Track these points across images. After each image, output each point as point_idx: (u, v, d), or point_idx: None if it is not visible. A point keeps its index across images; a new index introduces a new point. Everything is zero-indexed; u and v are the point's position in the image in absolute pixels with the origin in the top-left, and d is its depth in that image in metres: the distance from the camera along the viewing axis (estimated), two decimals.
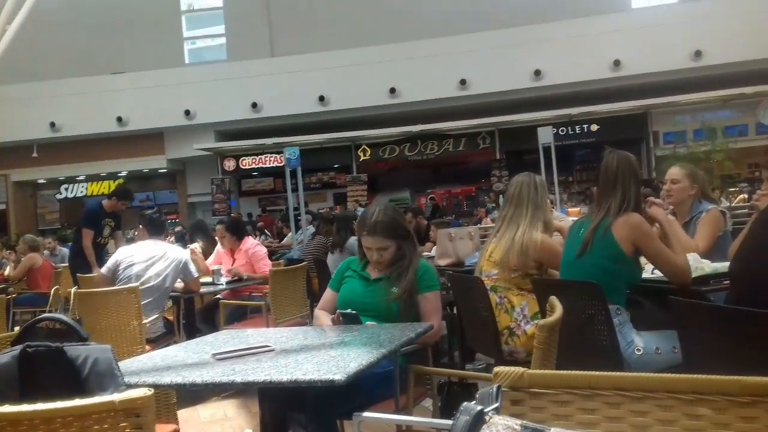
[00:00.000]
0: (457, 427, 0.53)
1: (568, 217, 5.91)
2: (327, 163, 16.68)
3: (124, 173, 17.46)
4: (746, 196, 10.89)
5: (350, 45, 15.33)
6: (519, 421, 0.54)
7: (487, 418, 0.55)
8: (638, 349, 2.61)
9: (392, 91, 15.09)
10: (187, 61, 18.46)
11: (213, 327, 4.76)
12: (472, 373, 2.59)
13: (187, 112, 15.78)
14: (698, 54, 14.04)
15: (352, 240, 5.64)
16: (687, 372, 1.92)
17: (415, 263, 2.72)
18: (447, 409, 2.56)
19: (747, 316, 1.62)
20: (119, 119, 15.96)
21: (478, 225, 9.77)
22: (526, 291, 3.17)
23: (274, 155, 15.78)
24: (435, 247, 5.10)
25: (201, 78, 15.85)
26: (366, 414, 1.81)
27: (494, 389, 0.62)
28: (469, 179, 16.72)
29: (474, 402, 0.58)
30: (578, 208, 9.26)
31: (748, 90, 14.16)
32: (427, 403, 2.74)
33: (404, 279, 2.67)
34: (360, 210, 10.77)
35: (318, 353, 1.99)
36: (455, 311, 4.00)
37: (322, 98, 15.35)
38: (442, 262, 4.59)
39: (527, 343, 2.96)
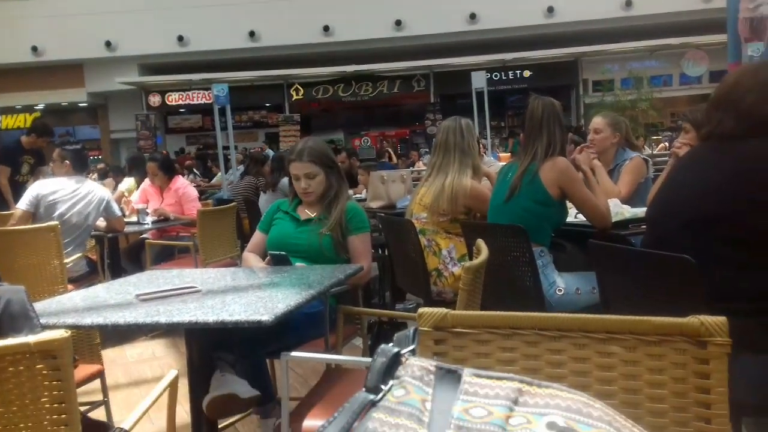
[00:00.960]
0: (374, 368, 0.53)
1: (499, 162, 6.00)
2: (258, 102, 16.28)
3: (41, 106, 16.50)
4: (668, 144, 11.35)
5: None
6: (434, 363, 0.54)
7: (403, 359, 0.55)
8: (560, 290, 2.71)
9: (326, 29, 14.72)
10: None
11: (139, 267, 4.66)
12: (400, 313, 2.64)
13: (108, 44, 14.94)
14: (629, 4, 14.28)
15: (285, 180, 5.55)
16: (604, 312, 2.03)
17: (343, 198, 2.72)
18: (377, 348, 2.61)
19: (658, 259, 1.70)
20: (34, 49, 14.97)
21: (411, 168, 9.81)
22: (454, 234, 3.24)
23: (202, 91, 15.26)
24: (366, 190, 5.10)
25: (124, 7, 14.96)
26: (294, 353, 1.83)
27: (411, 332, 0.62)
28: (404, 122, 16.72)
29: (392, 344, 0.58)
30: (509, 153, 9.42)
31: (673, 41, 14.60)
32: (359, 341, 2.78)
33: (333, 213, 2.67)
34: None
35: (246, 294, 1.98)
36: (386, 253, 4.04)
37: (252, 33, 14.82)
38: (374, 205, 4.61)
39: (454, 284, 3.04)
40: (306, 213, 2.77)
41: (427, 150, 12.34)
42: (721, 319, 0.97)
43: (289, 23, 14.37)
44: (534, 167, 2.75)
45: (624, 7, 14.37)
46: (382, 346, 0.60)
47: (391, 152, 12.33)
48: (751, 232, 1.66)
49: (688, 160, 1.99)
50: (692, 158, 1.96)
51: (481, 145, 4.43)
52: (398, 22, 14.64)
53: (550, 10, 14.45)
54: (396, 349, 0.58)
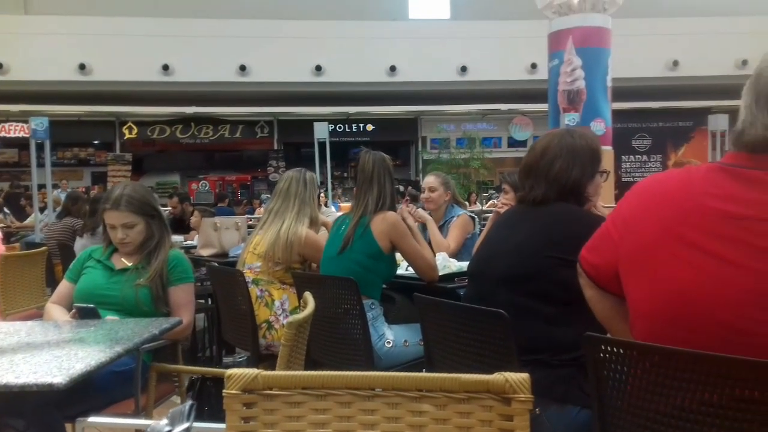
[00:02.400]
0: None
1: (340, 212, 6.03)
2: (86, 138, 15.20)
3: None
4: (495, 201, 12.17)
5: (122, 13, 14.10)
6: None
7: None
8: (389, 342, 2.72)
9: (165, 68, 14.18)
10: None
11: None
12: (217, 370, 2.49)
13: None
14: (464, 69, 15.35)
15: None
16: (428, 365, 2.05)
17: (165, 247, 2.54)
18: (200, 406, 2.44)
19: (476, 313, 1.75)
20: None
21: (247, 215, 9.59)
22: (288, 285, 3.16)
23: (20, 124, 13.95)
24: (198, 236, 4.86)
25: None
26: (91, 418, 1.63)
27: (186, 407, 0.55)
28: (246, 167, 16.45)
29: (165, 420, 0.51)
30: (350, 203, 9.54)
31: (503, 107, 15.93)
32: (178, 399, 2.58)
33: (153, 262, 2.48)
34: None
35: (40, 352, 1.74)
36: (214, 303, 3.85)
37: (83, 66, 13.90)
38: (205, 252, 4.40)
39: None
40: (122, 262, 2.55)
41: (269, 196, 12.19)
42: (524, 376, 0.99)
43: (125, 59, 13.66)
44: (366, 220, 2.78)
45: (460, 72, 15.42)
46: (152, 425, 0.52)
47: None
48: (555, 288, 1.77)
49: (503, 219, 2.11)
50: (507, 218, 2.08)
51: (321, 197, 4.45)
52: (243, 68, 14.51)
53: (393, 69, 15.12)
54: (167, 429, 0.51)
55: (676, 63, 15.56)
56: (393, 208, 2.85)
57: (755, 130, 1.20)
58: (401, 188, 11.47)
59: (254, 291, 3.11)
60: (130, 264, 2.53)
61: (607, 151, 8.51)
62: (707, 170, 1.27)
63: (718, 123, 11.31)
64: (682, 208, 1.24)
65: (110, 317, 2.34)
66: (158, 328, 2.10)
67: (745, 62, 14.52)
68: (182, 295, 2.52)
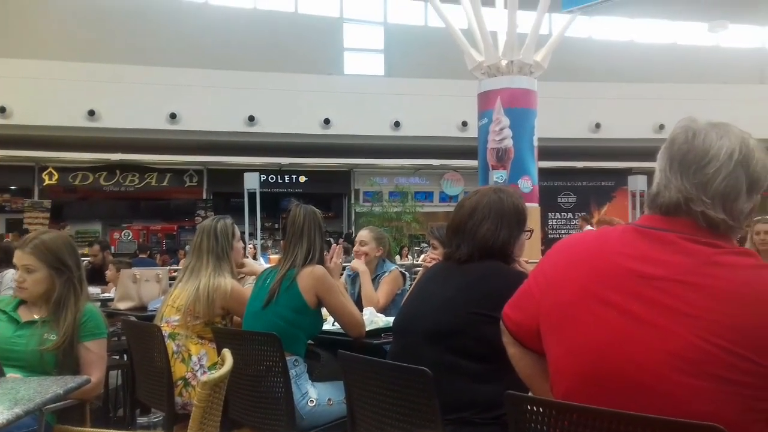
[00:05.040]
0: None
1: (269, 264, 5.91)
2: (1, 183, 14.49)
3: None
4: (426, 255, 12.23)
5: (48, 56, 13.72)
6: None
7: None
8: (312, 401, 2.63)
9: (91, 113, 13.76)
10: None
11: None
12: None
13: None
14: (397, 124, 15.66)
15: (11, 273, 4.85)
16: (351, 424, 1.98)
17: (74, 310, 2.39)
18: None
19: (399, 370, 1.72)
20: None
21: (168, 266, 9.29)
22: (207, 340, 3.02)
23: None
24: (115, 288, 4.64)
25: None
26: None
27: None
28: (172, 217, 16.01)
29: None
30: (279, 255, 9.38)
31: (435, 162, 16.27)
32: None
33: (63, 326, 2.34)
34: None
35: None
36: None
37: (2, 109, 13.32)
38: (122, 306, 4.19)
39: None
40: (29, 314, 2.39)
41: None
42: None
43: (48, 103, 13.19)
44: (293, 273, 2.72)
45: (393, 127, 15.71)
46: None
47: None
48: (479, 345, 1.76)
49: (429, 275, 2.10)
50: (433, 274, 2.08)
51: (248, 247, 4.35)
52: (173, 116, 14.26)
53: (327, 122, 15.25)
54: None
55: (598, 125, 16.38)
56: (321, 262, 2.81)
57: (669, 193, 1.25)
58: (332, 241, 11.41)
59: (171, 346, 2.96)
60: (36, 317, 2.38)
61: (534, 208, 8.77)
62: (623, 231, 1.30)
63: (638, 183, 11.86)
64: (598, 267, 1.26)
65: (11, 375, 2.18)
66: (63, 387, 1.96)
67: (662, 126, 15.41)
68: (93, 352, 2.38)
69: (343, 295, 2.81)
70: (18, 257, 2.38)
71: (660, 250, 1.21)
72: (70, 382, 2.05)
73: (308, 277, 2.71)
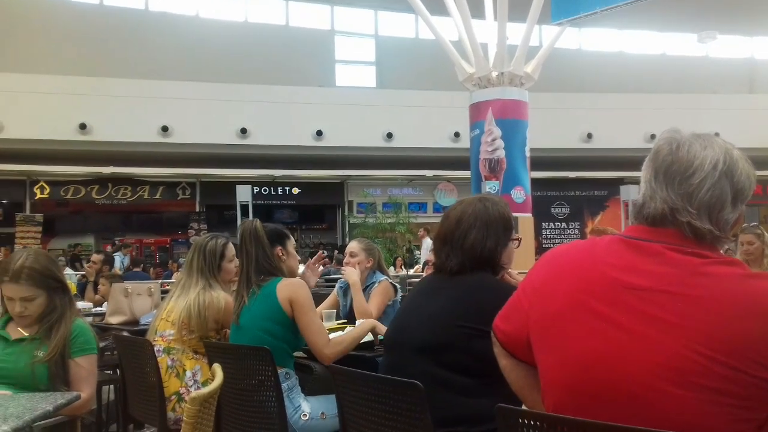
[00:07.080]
0: None
1: None
2: None
3: None
4: (421, 266, 12.27)
5: (39, 70, 13.70)
6: None
7: None
8: (305, 415, 2.61)
9: (82, 126, 13.74)
10: None
11: None
12: None
13: None
14: (390, 136, 15.69)
15: None
16: None
17: (68, 322, 2.38)
18: None
19: (391, 384, 1.71)
20: None
21: (160, 280, 9.20)
22: (202, 355, 3.01)
23: None
24: (107, 303, 4.61)
25: None
26: None
27: None
28: (165, 230, 15.97)
29: None
30: None
31: (428, 173, 16.30)
32: None
33: (54, 333, 2.32)
34: None
35: None
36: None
37: None
38: (114, 320, 4.16)
39: None
40: (18, 331, 2.37)
41: None
42: None
43: (39, 117, 13.17)
44: (273, 285, 2.71)
45: (386, 138, 15.75)
46: None
47: None
48: (470, 358, 1.75)
49: (420, 288, 2.10)
50: (423, 287, 2.07)
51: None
52: (165, 128, 14.26)
53: (319, 133, 15.27)
54: None
55: (590, 135, 16.47)
56: (277, 269, 2.79)
57: (654, 204, 1.25)
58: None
59: (165, 360, 2.95)
60: (26, 334, 2.36)
61: (528, 218, 8.78)
62: (610, 242, 1.31)
63: (630, 193, 11.93)
64: (585, 278, 1.26)
65: (1, 392, 2.16)
66: (53, 404, 1.94)
67: (653, 136, 15.50)
68: (83, 368, 2.36)
69: (313, 312, 2.77)
70: (12, 291, 2.32)
71: (647, 260, 1.22)
72: (60, 398, 2.04)
73: (286, 287, 2.70)
